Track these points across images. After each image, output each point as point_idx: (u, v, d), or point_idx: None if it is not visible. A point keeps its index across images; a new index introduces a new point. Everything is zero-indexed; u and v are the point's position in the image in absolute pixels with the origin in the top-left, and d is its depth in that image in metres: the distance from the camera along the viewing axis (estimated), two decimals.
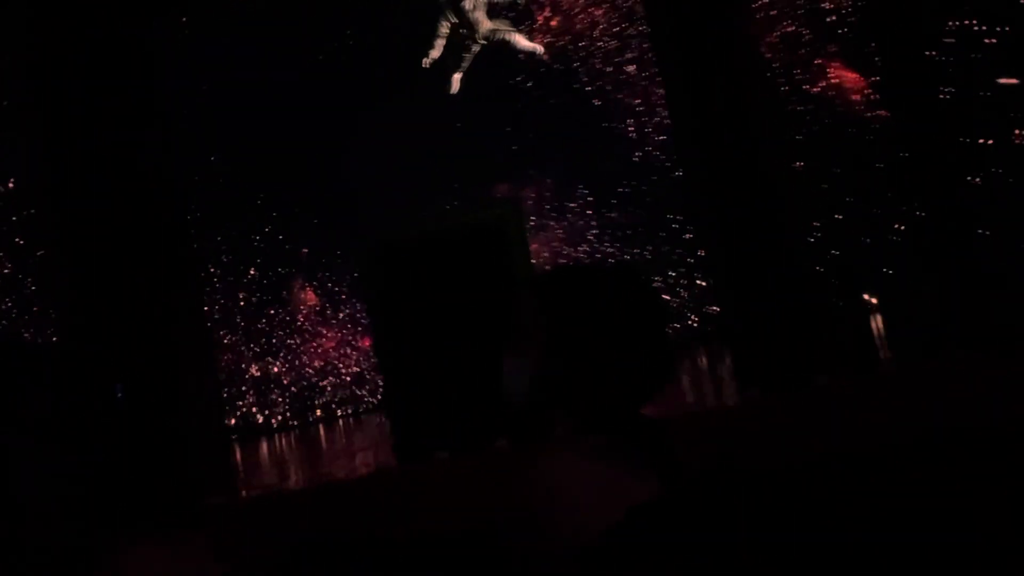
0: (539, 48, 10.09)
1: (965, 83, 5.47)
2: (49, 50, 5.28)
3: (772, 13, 9.33)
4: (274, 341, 10.86)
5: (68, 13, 5.27)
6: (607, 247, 10.51)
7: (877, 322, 5.39)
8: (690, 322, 10.03)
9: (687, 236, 9.74)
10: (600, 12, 10.54)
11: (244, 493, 5.47)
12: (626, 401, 1.26)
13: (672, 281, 10.05)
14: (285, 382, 10.75)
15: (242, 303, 10.75)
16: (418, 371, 4.79)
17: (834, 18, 9.03)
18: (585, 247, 10.58)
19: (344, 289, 10.90)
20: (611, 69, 10.49)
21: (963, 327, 4.67)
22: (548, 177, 10.67)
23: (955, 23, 5.79)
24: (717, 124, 5.02)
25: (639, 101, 10.34)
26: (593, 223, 10.60)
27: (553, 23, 10.62)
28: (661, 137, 10.05)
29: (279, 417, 10.70)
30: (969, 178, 5.18)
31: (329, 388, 10.76)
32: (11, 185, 9.13)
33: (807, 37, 9.31)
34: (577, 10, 10.59)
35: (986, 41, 5.76)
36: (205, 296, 7.33)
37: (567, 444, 1.25)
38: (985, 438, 3.09)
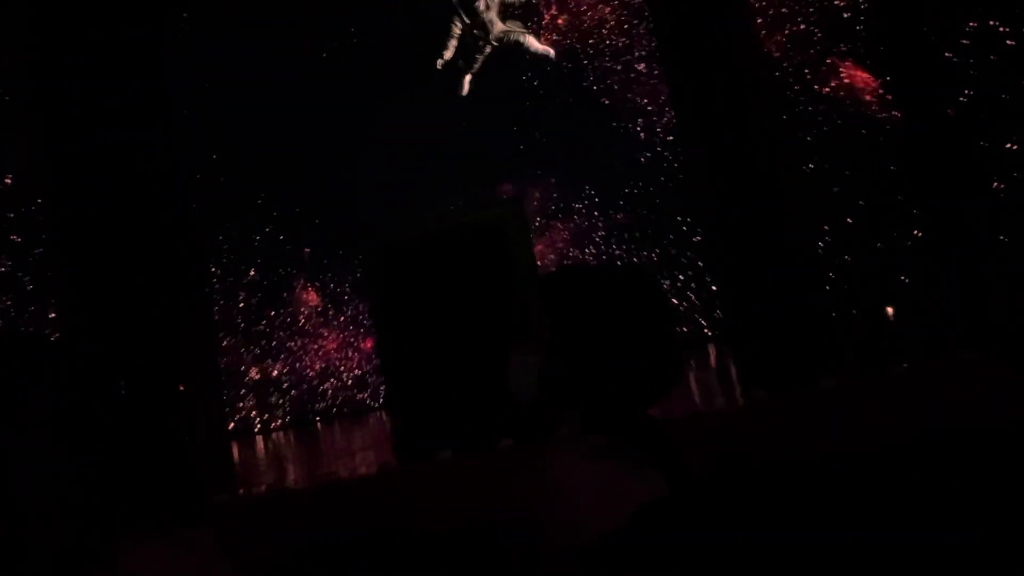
0: (551, 51, 10.06)
1: (985, 85, 5.44)
2: (49, 50, 5.28)
3: (783, 11, 9.29)
4: (274, 343, 10.83)
5: (68, 13, 5.27)
6: (614, 249, 10.47)
7: (881, 323, 5.39)
8: (700, 326, 9.97)
9: (696, 239, 9.69)
10: (609, 9, 10.51)
11: (245, 492, 5.47)
12: (631, 402, 1.26)
13: (681, 285, 10.01)
14: (285, 386, 10.73)
15: (241, 304, 10.74)
16: (420, 370, 4.80)
17: (848, 15, 8.96)
18: (592, 249, 10.55)
19: (346, 290, 10.88)
20: (620, 67, 10.45)
21: (963, 327, 4.67)
22: (554, 177, 10.64)
23: (974, 24, 5.73)
24: (718, 123, 5.02)
25: (647, 101, 10.30)
26: (600, 224, 10.56)
27: (560, 21, 10.59)
28: (670, 137, 10.00)
29: (279, 421, 10.67)
30: (996, 183, 5.16)
31: (330, 391, 10.74)
32: (8, 182, 9.12)
33: (818, 36, 9.26)
34: (585, 7, 10.56)
35: (1008, 43, 5.70)
36: (209, 293, 7.31)
37: (568, 444, 1.26)
38: (985, 438, 3.09)
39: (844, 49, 9.10)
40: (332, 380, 10.75)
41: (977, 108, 5.46)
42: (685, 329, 9.81)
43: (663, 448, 1.26)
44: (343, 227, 10.19)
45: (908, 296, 5.14)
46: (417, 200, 9.79)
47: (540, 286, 1.34)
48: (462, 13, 9.42)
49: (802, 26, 9.37)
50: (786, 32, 9.39)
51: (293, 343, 10.86)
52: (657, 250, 10.27)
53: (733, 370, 5.12)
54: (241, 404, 10.59)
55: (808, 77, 9.29)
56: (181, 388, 4.93)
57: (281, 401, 10.73)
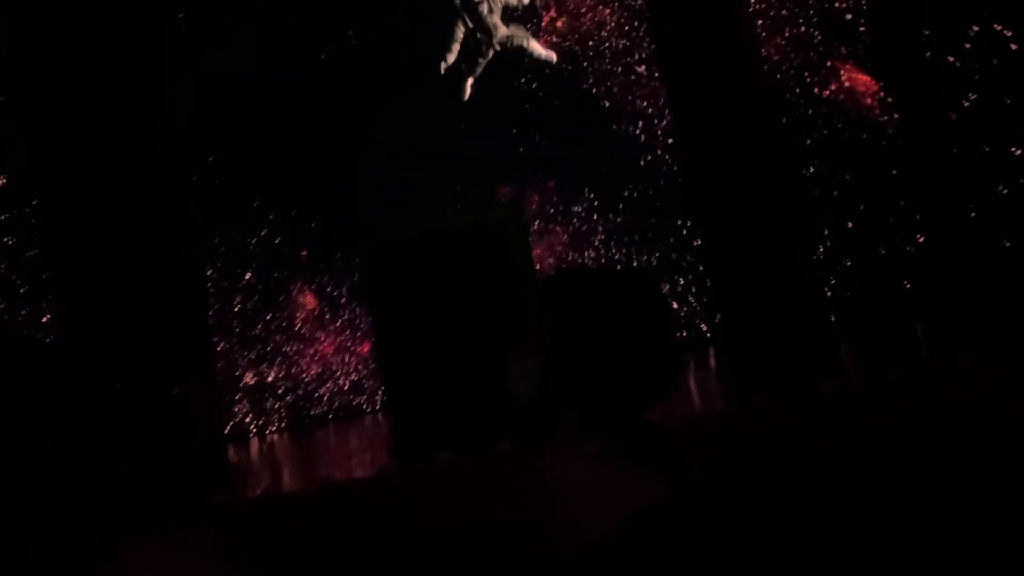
0: (553, 56, 10.03)
1: (987, 89, 5.42)
2: (48, 50, 5.28)
3: (783, 13, 9.26)
4: (270, 348, 10.76)
5: (68, 13, 5.27)
6: (614, 251, 10.44)
7: (881, 326, 5.38)
8: (700, 329, 9.93)
9: (696, 242, 9.63)
10: (608, 11, 10.48)
11: (244, 494, 5.47)
12: (630, 403, 1.26)
13: (681, 288, 9.98)
14: (280, 391, 10.66)
15: (237, 307, 10.67)
16: (419, 371, 4.80)
17: (849, 17, 8.94)
18: (591, 252, 10.51)
19: (343, 293, 10.82)
20: (620, 69, 10.41)
21: (964, 330, 4.67)
22: (553, 180, 10.61)
23: (976, 27, 5.71)
24: (718, 126, 5.02)
25: (647, 103, 10.26)
26: (599, 228, 10.53)
27: (559, 23, 10.57)
28: (670, 140, 9.96)
29: (275, 426, 10.61)
30: (998, 187, 5.15)
31: (327, 396, 10.69)
32: (4, 181, 9.08)
33: (818, 39, 9.24)
34: (584, 9, 10.53)
35: (1011, 47, 5.67)
36: (207, 292, 7.28)
37: (568, 445, 1.26)
38: (985, 439, 3.09)
39: (845, 52, 9.08)
40: (329, 383, 10.70)
41: (979, 111, 5.45)
42: (684, 333, 9.79)
43: (662, 449, 1.26)
44: (341, 229, 10.15)
45: (908, 299, 5.14)
46: (417, 201, 9.76)
47: (540, 288, 1.34)
48: (466, 17, 9.36)
49: (802, 28, 9.35)
50: (786, 35, 9.37)
51: (289, 348, 10.80)
52: (657, 253, 10.24)
53: (733, 372, 5.11)
54: (236, 409, 10.53)
55: (808, 80, 9.27)
56: (176, 392, 4.92)
57: (277, 405, 10.68)
